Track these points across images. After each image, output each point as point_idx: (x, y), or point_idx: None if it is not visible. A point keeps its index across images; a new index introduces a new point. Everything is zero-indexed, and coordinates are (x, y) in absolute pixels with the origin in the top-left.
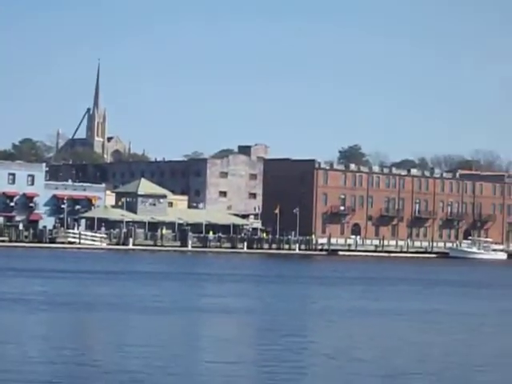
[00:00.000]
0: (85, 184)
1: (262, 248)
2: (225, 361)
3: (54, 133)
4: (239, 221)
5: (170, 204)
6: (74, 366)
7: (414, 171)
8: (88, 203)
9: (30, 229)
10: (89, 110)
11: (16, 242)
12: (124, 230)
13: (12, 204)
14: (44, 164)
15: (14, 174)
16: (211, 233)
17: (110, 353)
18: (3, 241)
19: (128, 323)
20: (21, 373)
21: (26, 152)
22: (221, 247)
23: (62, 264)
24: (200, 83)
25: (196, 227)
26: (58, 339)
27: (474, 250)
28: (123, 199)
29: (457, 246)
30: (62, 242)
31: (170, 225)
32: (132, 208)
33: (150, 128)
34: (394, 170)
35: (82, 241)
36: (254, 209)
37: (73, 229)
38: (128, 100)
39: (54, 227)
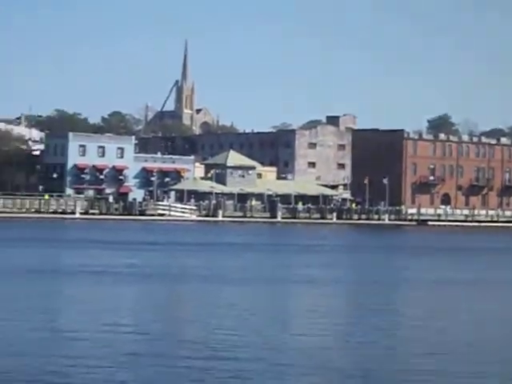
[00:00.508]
0: (174, 156)
1: (351, 218)
2: (311, 333)
3: (142, 106)
4: (328, 191)
5: (259, 175)
6: (159, 339)
7: (503, 140)
8: (177, 175)
9: (120, 201)
10: (177, 82)
11: (106, 214)
12: (213, 201)
13: (102, 177)
14: (133, 137)
15: (103, 147)
16: (300, 204)
17: (198, 325)
18: (93, 213)
19: (217, 294)
20: (112, 344)
21: (115, 125)
22: (310, 218)
23: (152, 236)
24: (288, 54)
25: (285, 198)
26: (146, 311)
27: None
28: (212, 171)
29: None
30: (152, 215)
31: (259, 196)
32: (221, 180)
33: (238, 100)
34: (484, 139)
35: (171, 213)
36: (343, 179)
37: (162, 201)
38: (216, 72)
39: (144, 199)
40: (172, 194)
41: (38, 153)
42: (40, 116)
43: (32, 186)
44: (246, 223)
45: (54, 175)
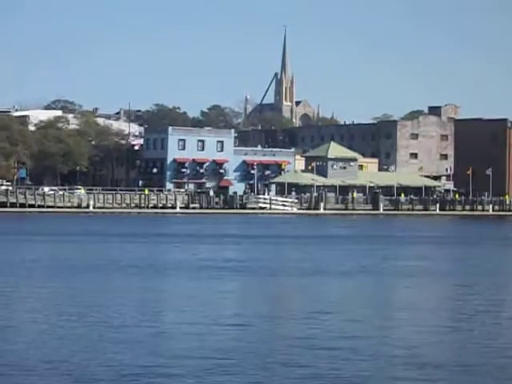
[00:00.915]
0: (274, 149)
1: (454, 210)
2: (415, 329)
3: (242, 99)
4: (431, 182)
5: (360, 167)
6: (260, 333)
7: None
8: (278, 168)
9: (221, 195)
10: (276, 74)
11: (207, 208)
12: (314, 194)
13: (202, 171)
14: (233, 130)
15: (203, 141)
16: (402, 195)
17: (299, 320)
18: (194, 208)
19: (319, 288)
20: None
21: (214, 119)
22: (413, 210)
23: (254, 229)
24: (390, 43)
25: (387, 190)
26: (248, 305)
27: None
28: (313, 163)
29: None
30: (253, 208)
31: (361, 188)
32: (322, 172)
33: (339, 91)
34: None
35: (272, 206)
36: (446, 170)
37: (263, 194)
38: (316, 63)
39: (245, 193)
40: (273, 187)
41: (137, 147)
42: (139, 111)
43: (132, 180)
44: (348, 216)
45: (154, 170)
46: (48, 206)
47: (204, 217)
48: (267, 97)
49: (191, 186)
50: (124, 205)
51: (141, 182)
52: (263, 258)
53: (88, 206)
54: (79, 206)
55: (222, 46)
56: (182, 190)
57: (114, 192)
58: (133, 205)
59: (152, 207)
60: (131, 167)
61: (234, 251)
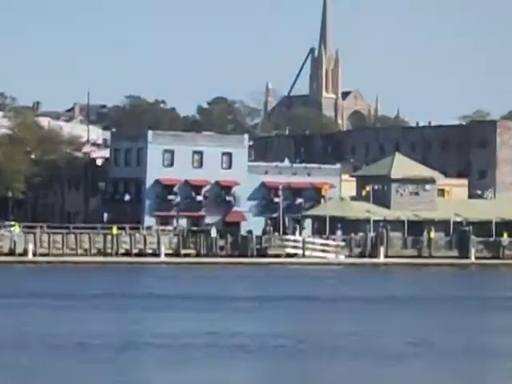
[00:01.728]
0: (310, 165)
1: None
2: None
3: (260, 88)
4: None
5: (441, 192)
6: None
7: None
8: (315, 194)
9: (228, 236)
10: (312, 51)
11: (207, 256)
12: (371, 233)
13: (200, 198)
14: (247, 136)
15: (201, 153)
16: (505, 235)
17: None
18: (187, 255)
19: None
20: None
21: (218, 118)
22: None
23: (277, 288)
24: (476, 10)
25: (481, 227)
26: None
27: None
28: (369, 187)
29: None
30: (277, 255)
31: (442, 224)
32: (383, 200)
33: (405, 79)
34: None
35: (307, 252)
36: None
37: (293, 234)
38: (370, 37)
39: (265, 232)
40: (307, 222)
41: (100, 162)
42: (103, 106)
43: (93, 213)
44: (422, 267)
45: (127, 197)
46: None
47: (202, 268)
48: (298, 85)
49: (183, 222)
50: (81, 251)
51: (106, 216)
52: (289, 332)
53: (26, 253)
54: (12, 253)
55: (228, 12)
56: (169, 227)
57: (65, 231)
58: (94, 250)
59: (123, 254)
60: (91, 193)
61: (245, 321)
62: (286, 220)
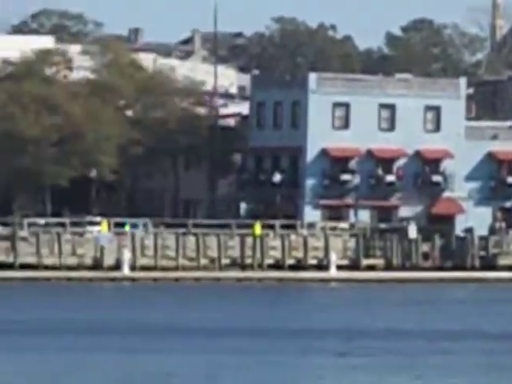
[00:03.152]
0: None
1: None
2: None
3: (482, 4)
4: None
5: None
6: None
7: None
8: None
9: (436, 236)
10: None
11: (403, 269)
12: None
13: (391, 178)
14: (464, 80)
15: (392, 107)
16: None
17: None
18: (370, 267)
19: None
20: None
21: (418, 49)
22: None
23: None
24: None
25: None
26: None
27: None
28: None
29: None
30: (511, 268)
31: None
32: None
33: None
34: None
35: None
36: None
37: None
38: None
39: (493, 231)
40: None
41: (233, 123)
42: (239, 35)
43: (223, 203)
44: None
45: (276, 177)
46: (26, 266)
47: (395, 287)
48: None
49: (364, 216)
50: (205, 261)
51: (244, 207)
52: None
53: (119, 266)
54: (98, 266)
55: None
56: (343, 224)
57: (180, 231)
58: (226, 261)
59: (271, 266)
60: (221, 171)
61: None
62: None
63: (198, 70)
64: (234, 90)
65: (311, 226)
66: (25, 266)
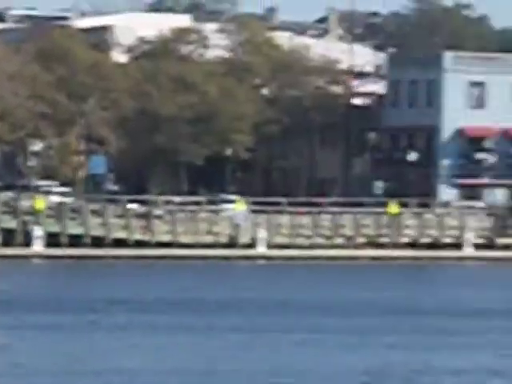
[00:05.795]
0: None
1: None
2: None
3: None
4: None
5: None
6: None
7: None
8: None
9: None
10: None
11: None
12: None
13: None
14: None
15: None
16: None
17: None
18: (509, 246)
19: None
20: None
21: None
22: None
23: None
24: None
25: None
26: None
27: None
28: None
29: None
30: None
31: None
32: None
33: None
34: None
35: None
36: None
37: None
38: None
39: None
40: None
41: (369, 102)
42: (374, 14)
43: (358, 181)
44: None
45: (411, 156)
46: (162, 244)
47: None
48: None
49: (501, 196)
50: (340, 240)
51: (380, 186)
52: None
53: (254, 244)
54: (233, 244)
55: None
56: (480, 203)
57: (315, 210)
58: (361, 239)
59: (407, 245)
60: (356, 150)
61: None
62: None
63: (333, 49)
64: (370, 69)
65: (446, 204)
66: (160, 244)
